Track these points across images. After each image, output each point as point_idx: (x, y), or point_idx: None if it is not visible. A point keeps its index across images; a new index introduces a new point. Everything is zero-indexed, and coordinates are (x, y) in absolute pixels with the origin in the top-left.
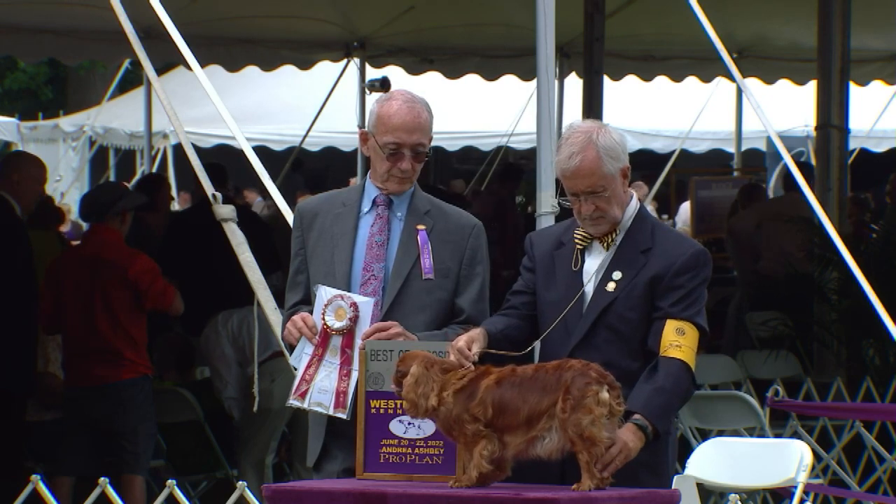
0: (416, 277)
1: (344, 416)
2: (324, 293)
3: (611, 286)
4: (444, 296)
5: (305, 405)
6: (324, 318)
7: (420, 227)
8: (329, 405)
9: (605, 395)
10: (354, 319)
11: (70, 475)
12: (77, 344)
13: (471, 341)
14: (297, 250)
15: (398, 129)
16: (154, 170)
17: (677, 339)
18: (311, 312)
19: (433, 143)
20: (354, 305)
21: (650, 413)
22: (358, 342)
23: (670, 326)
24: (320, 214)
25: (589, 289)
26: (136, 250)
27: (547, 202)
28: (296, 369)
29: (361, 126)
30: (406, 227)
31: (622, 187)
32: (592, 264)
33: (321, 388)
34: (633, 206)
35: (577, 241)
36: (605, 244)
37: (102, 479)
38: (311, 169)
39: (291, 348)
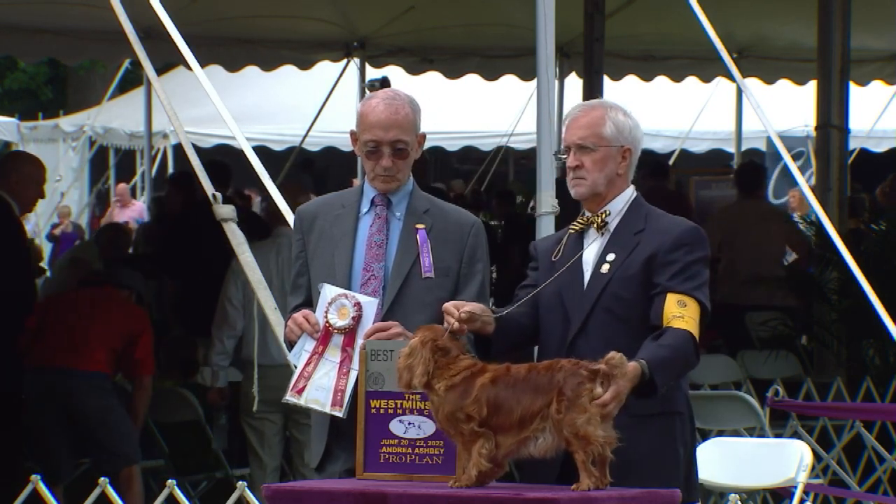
0: (416, 276)
1: (340, 415)
2: (328, 291)
3: (605, 268)
4: (444, 295)
5: (302, 402)
6: (326, 317)
7: (419, 226)
8: (326, 403)
9: (598, 390)
10: (357, 319)
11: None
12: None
13: (462, 304)
14: (297, 253)
15: (374, 126)
16: (154, 170)
17: (679, 311)
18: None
19: (433, 143)
20: (358, 305)
21: (651, 361)
22: (359, 342)
23: (671, 299)
24: (320, 216)
25: (587, 277)
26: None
27: (547, 202)
28: (295, 366)
29: None
30: (405, 227)
31: (618, 166)
32: (591, 253)
33: (319, 386)
34: (630, 193)
35: (571, 228)
36: (599, 229)
37: (103, 479)
38: (317, 169)
39: (292, 346)
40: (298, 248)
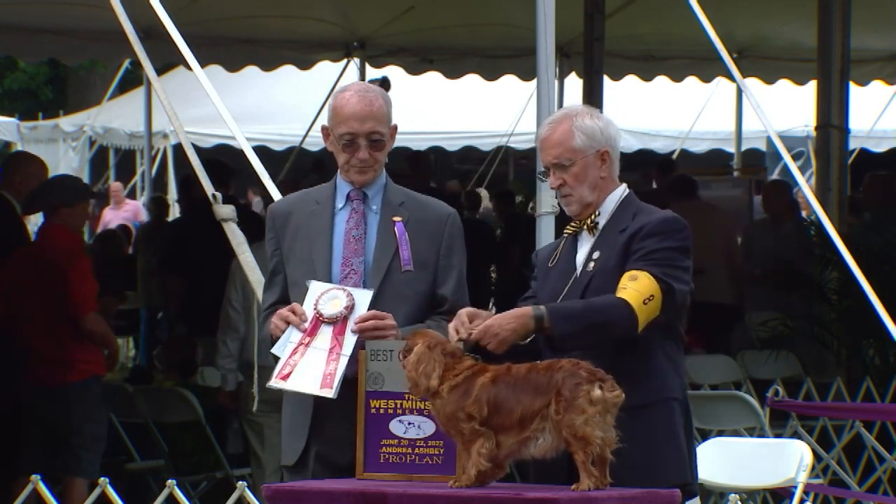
0: (396, 270)
1: (330, 395)
2: (316, 287)
3: (590, 266)
4: (425, 287)
5: (288, 386)
6: (316, 307)
7: (396, 218)
8: (315, 385)
9: (597, 392)
10: (350, 308)
11: (27, 475)
12: (28, 344)
13: (474, 315)
14: (272, 251)
15: (350, 118)
16: (154, 170)
17: (625, 283)
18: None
19: (433, 143)
20: (350, 296)
21: (553, 308)
22: (351, 326)
23: (625, 275)
24: (294, 213)
25: (578, 276)
26: (79, 251)
27: (547, 202)
28: (278, 358)
29: None
30: (382, 220)
31: (599, 170)
32: (582, 254)
33: (306, 370)
34: (620, 192)
35: (566, 231)
36: (591, 230)
37: (102, 479)
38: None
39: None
40: (273, 247)
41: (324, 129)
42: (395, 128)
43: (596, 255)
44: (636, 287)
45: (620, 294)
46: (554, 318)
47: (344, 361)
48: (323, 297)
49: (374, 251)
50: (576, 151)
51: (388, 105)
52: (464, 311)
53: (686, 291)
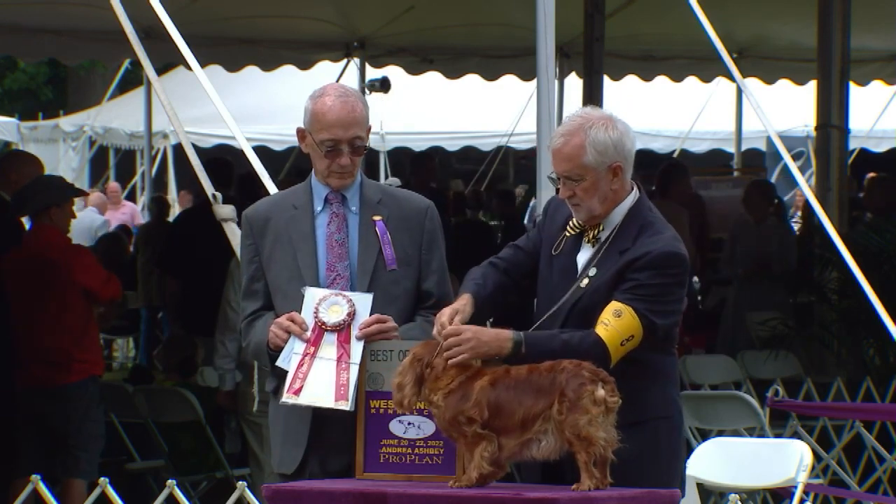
0: (382, 270)
1: (347, 408)
2: (314, 293)
3: (584, 282)
4: (410, 285)
5: (301, 401)
6: (317, 316)
7: (376, 217)
8: (329, 398)
9: (600, 392)
10: (352, 315)
11: (25, 476)
12: (25, 346)
13: (454, 313)
14: (251, 258)
15: (334, 125)
16: (154, 170)
17: (608, 319)
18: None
19: (433, 143)
20: (351, 301)
21: (531, 342)
22: (355, 332)
23: (610, 307)
24: (272, 219)
25: (572, 290)
26: (77, 246)
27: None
28: (278, 368)
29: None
30: (362, 220)
31: (610, 183)
32: (581, 260)
33: (318, 383)
34: (629, 202)
35: (568, 227)
36: (591, 241)
37: (102, 479)
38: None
39: (275, 352)
40: (252, 253)
41: (300, 131)
42: (370, 128)
43: (592, 271)
44: (617, 326)
45: (600, 330)
46: (530, 353)
47: (354, 370)
48: (322, 304)
49: (359, 253)
50: (586, 168)
51: (366, 107)
52: (445, 314)
53: (672, 323)
